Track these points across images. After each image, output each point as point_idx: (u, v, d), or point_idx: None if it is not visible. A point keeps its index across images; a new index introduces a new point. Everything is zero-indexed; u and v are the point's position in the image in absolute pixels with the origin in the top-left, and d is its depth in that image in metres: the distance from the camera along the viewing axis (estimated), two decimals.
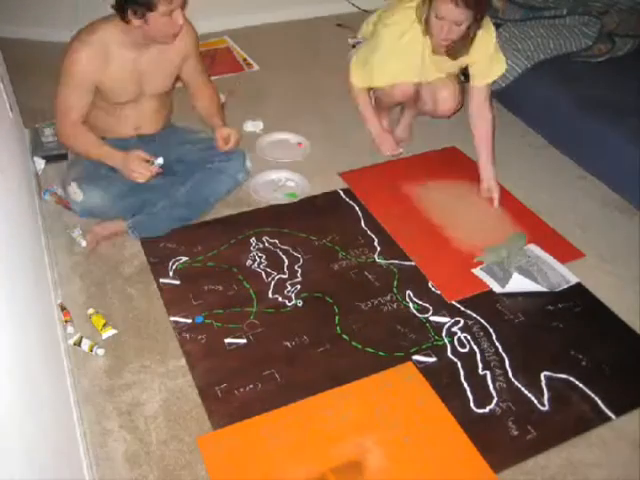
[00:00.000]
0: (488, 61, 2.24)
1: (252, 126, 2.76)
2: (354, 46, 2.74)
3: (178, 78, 2.24)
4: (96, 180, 2.10)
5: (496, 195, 2.33)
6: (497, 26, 2.58)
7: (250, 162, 2.30)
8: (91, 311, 1.87)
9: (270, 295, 1.97)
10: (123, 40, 1.97)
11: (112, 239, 2.15)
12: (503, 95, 2.58)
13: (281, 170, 2.48)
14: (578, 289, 2.02)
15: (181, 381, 1.71)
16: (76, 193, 2.09)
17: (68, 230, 2.16)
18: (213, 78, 3.13)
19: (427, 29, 2.14)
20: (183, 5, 1.94)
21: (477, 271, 2.05)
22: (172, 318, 1.88)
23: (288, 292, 1.98)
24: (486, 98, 2.31)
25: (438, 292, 1.99)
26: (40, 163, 2.45)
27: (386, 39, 2.22)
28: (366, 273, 2.06)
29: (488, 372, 1.75)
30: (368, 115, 2.48)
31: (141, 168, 1.99)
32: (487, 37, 2.20)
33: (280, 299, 1.96)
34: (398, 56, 2.25)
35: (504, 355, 1.80)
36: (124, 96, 2.08)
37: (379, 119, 2.52)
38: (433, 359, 1.78)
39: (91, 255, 2.10)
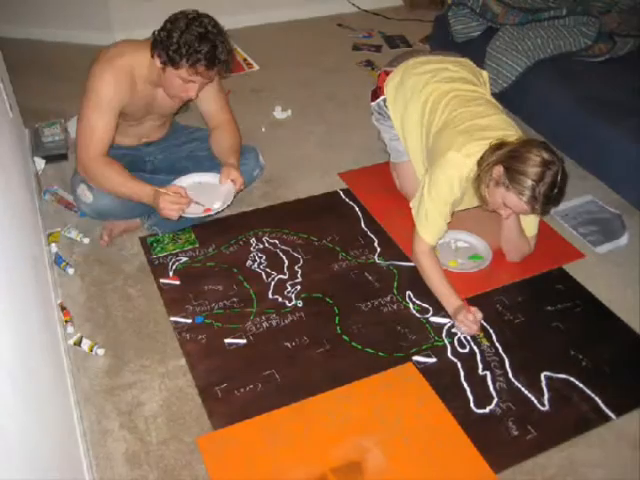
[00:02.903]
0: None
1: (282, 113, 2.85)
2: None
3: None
4: None
5: None
6: (496, 30, 2.59)
7: (262, 158, 2.32)
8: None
9: (270, 295, 1.97)
10: (146, 73, 1.92)
11: (124, 235, 2.17)
12: (503, 95, 2.58)
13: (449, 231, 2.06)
14: (578, 289, 2.02)
15: (181, 381, 1.71)
16: (86, 195, 2.05)
17: (63, 231, 2.16)
18: None
19: (480, 192, 1.81)
20: (205, 83, 1.92)
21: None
22: (172, 318, 1.88)
23: (288, 292, 1.98)
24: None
25: None
26: (40, 163, 2.45)
27: (445, 188, 1.86)
28: (366, 274, 2.06)
29: (488, 372, 1.75)
30: (443, 289, 1.90)
31: (171, 204, 1.91)
32: None
33: (280, 299, 1.96)
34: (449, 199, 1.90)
35: (504, 355, 1.80)
36: (132, 119, 2.08)
37: (454, 290, 1.90)
38: (433, 360, 1.78)
39: (91, 255, 2.10)
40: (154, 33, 1.85)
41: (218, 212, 2.09)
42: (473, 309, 1.83)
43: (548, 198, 1.70)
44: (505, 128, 1.88)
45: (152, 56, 1.86)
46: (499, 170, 1.74)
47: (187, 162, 2.23)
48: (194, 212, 2.01)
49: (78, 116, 1.96)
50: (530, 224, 2.02)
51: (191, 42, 1.77)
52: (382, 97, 2.23)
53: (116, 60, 1.88)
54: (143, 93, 1.97)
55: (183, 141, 2.29)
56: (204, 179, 2.14)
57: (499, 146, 1.77)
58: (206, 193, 2.07)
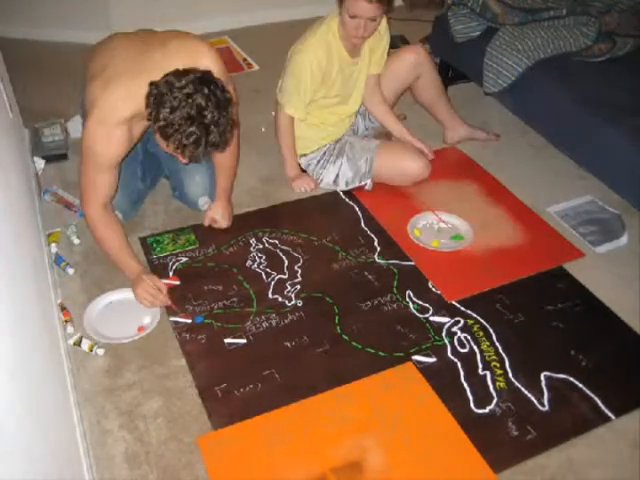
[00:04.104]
0: (383, 49, 2.36)
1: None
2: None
3: None
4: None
5: (420, 145, 2.42)
6: (496, 30, 2.59)
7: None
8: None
9: (270, 295, 1.97)
10: (140, 116, 1.74)
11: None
12: (503, 95, 2.58)
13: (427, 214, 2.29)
14: (578, 288, 2.02)
15: (181, 381, 1.71)
16: None
17: (63, 228, 2.16)
18: None
19: (341, 32, 2.19)
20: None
21: None
22: (172, 318, 1.88)
23: (288, 292, 1.98)
24: (377, 83, 2.42)
25: (438, 292, 1.99)
26: (40, 163, 2.45)
27: (305, 65, 2.21)
28: (366, 273, 2.06)
29: (488, 372, 1.75)
30: (287, 154, 2.40)
31: (148, 295, 1.85)
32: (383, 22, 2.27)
33: (280, 299, 1.96)
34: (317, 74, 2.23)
35: (504, 355, 1.80)
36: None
37: (296, 159, 2.42)
38: (433, 359, 1.78)
39: (91, 255, 2.10)
40: (150, 85, 1.65)
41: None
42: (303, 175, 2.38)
43: None
44: None
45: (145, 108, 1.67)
46: None
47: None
48: (129, 336, 1.81)
49: (79, 170, 1.85)
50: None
51: (179, 124, 1.59)
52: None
53: (109, 117, 1.73)
54: (142, 129, 1.87)
55: None
56: (121, 296, 1.92)
57: None
58: (133, 309, 1.88)
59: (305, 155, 2.43)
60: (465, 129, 2.64)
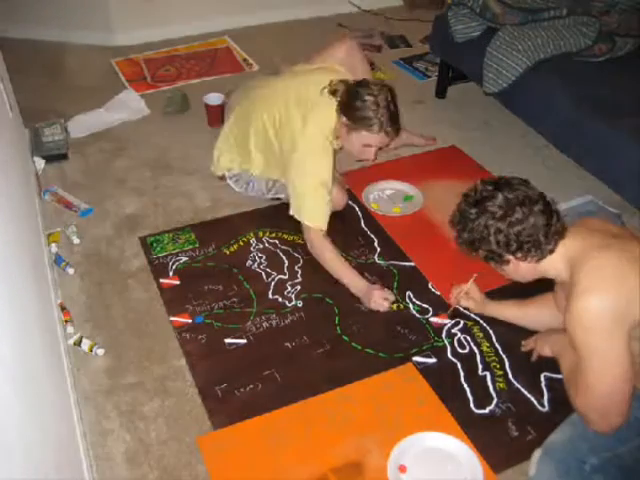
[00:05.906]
0: None
1: None
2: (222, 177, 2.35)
3: None
4: None
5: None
6: (496, 30, 2.59)
7: None
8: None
9: (270, 296, 1.97)
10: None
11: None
12: (503, 95, 2.58)
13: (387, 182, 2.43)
14: None
15: (181, 381, 1.71)
16: None
17: (63, 228, 2.16)
18: (213, 78, 3.15)
19: (343, 144, 2.03)
20: None
21: None
22: (172, 318, 1.88)
23: (288, 293, 1.98)
24: None
25: (438, 293, 1.99)
26: (40, 163, 2.45)
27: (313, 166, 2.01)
28: (366, 274, 2.05)
29: (488, 373, 1.75)
30: (345, 270, 1.98)
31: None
32: None
33: (280, 300, 1.96)
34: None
35: (504, 356, 1.79)
36: None
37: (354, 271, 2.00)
38: (433, 360, 1.78)
39: (91, 255, 2.10)
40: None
41: None
42: (377, 286, 1.94)
43: (392, 119, 1.90)
44: (323, 81, 2.01)
45: None
46: (341, 120, 1.95)
47: None
48: None
49: None
50: None
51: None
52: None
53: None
54: None
55: None
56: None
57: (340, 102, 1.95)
58: None
59: (231, 169, 2.31)
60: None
